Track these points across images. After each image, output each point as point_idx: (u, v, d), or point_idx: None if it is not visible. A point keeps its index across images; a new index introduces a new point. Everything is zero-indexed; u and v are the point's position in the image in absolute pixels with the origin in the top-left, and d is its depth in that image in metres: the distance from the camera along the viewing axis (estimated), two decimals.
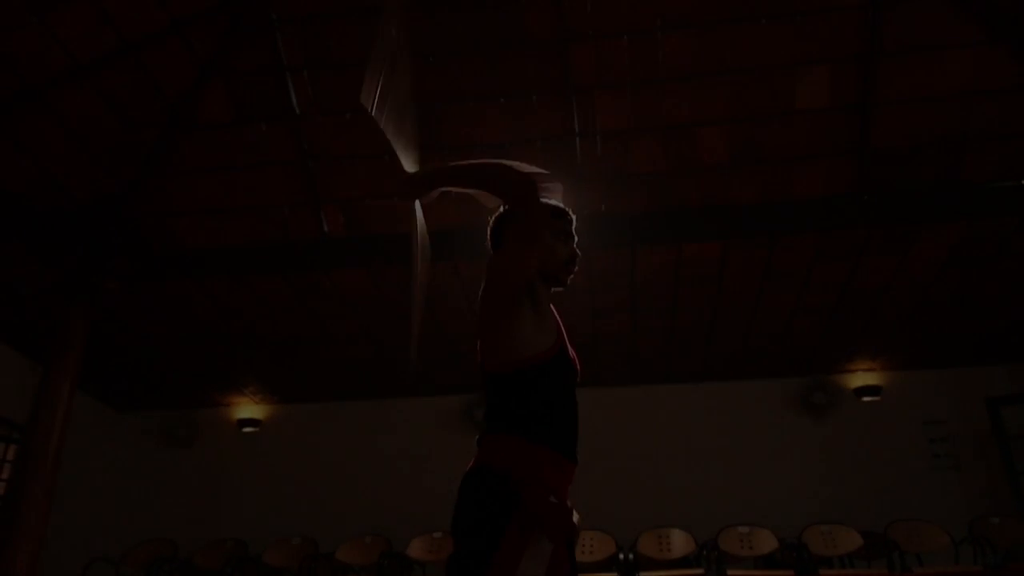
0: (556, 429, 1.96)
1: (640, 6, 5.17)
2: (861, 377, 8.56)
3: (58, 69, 4.98)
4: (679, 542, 7.11)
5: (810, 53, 5.31)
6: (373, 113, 2.08)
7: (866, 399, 8.46)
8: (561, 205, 2.23)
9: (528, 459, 1.88)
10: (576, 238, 2.23)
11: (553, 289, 2.20)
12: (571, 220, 2.23)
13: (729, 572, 6.55)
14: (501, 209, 2.24)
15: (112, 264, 6.05)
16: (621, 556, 6.93)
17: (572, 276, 2.21)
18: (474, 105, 5.63)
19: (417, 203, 2.27)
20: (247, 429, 9.17)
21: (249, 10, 5.17)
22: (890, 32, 5.13)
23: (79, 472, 8.13)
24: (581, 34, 5.31)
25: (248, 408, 9.32)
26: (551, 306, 2.15)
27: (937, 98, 5.39)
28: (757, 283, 6.90)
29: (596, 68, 5.46)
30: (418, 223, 2.32)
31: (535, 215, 1.94)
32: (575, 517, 1.94)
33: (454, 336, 7.66)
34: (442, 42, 5.36)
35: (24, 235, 5.90)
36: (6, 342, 7.56)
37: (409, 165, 2.27)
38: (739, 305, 7.27)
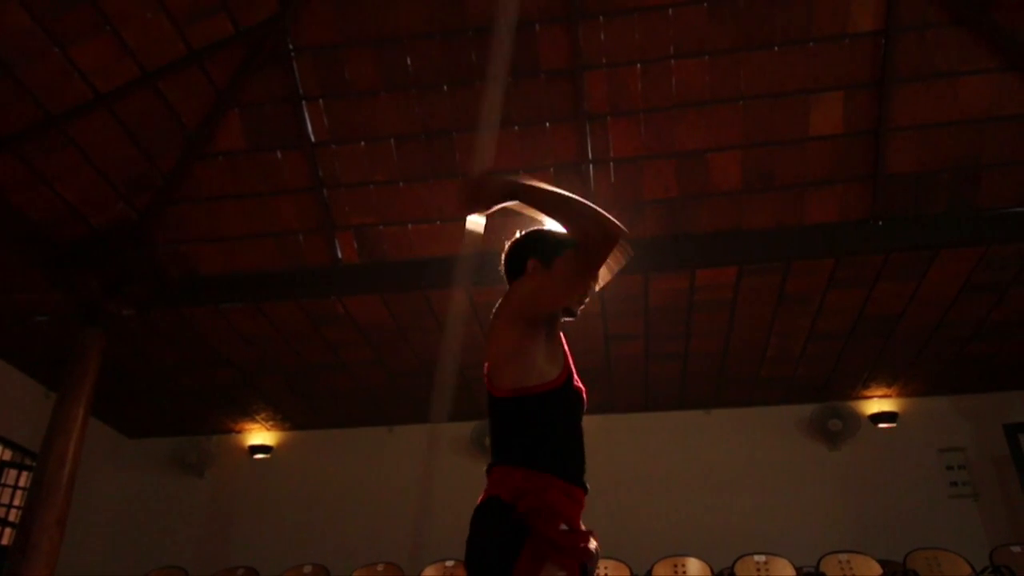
0: (563, 458, 1.96)
1: (653, 34, 5.21)
2: (877, 403, 8.48)
3: (79, 99, 5.04)
4: (695, 571, 7.01)
5: (824, 79, 5.33)
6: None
7: (882, 426, 8.37)
8: None
9: (537, 489, 1.87)
10: None
11: (564, 319, 2.21)
12: None
13: None
14: (517, 234, 2.25)
15: (128, 291, 6.09)
16: None
17: (583, 307, 2.22)
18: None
19: (477, 216, 2.12)
20: (259, 456, 9.14)
21: (266, 40, 5.23)
22: (904, 58, 5.15)
23: (90, 498, 8.12)
24: (595, 62, 5.35)
25: (260, 435, 9.29)
26: (561, 335, 2.15)
27: (952, 124, 5.39)
28: (771, 309, 6.86)
29: (609, 95, 5.49)
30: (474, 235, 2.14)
31: (601, 260, 1.93)
32: (592, 544, 1.92)
33: (466, 363, 7.62)
34: (456, 70, 5.40)
35: (41, 262, 5.94)
36: (22, 369, 7.59)
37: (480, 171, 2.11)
38: (753, 331, 7.23)
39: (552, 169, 5.85)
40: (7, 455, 7.51)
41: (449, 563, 7.30)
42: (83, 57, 4.83)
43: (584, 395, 2.13)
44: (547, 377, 1.98)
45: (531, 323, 1.99)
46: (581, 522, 1.95)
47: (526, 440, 1.95)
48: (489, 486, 1.94)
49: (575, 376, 2.09)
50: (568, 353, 2.11)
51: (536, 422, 1.96)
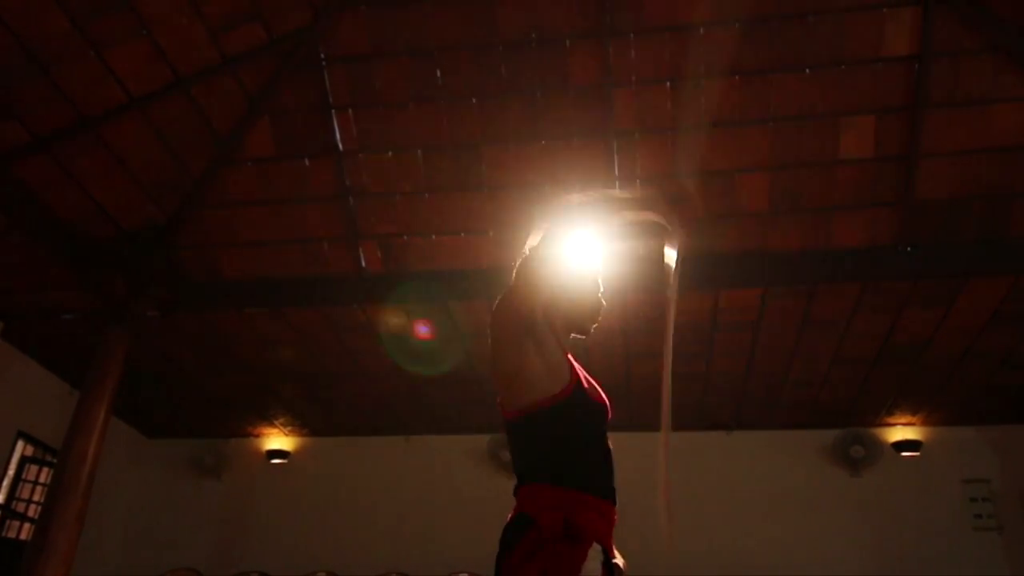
0: (583, 471, 1.94)
1: (684, 53, 5.19)
2: (901, 431, 8.34)
3: (113, 102, 5.12)
4: None
5: (855, 103, 5.28)
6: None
7: (905, 454, 8.22)
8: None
9: (562, 504, 1.85)
10: (603, 288, 2.23)
11: (573, 336, 2.18)
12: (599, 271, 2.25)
13: None
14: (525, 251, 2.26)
15: (153, 292, 6.14)
16: None
17: (596, 326, 2.21)
18: (515, 147, 5.67)
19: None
20: (275, 461, 9.16)
21: (298, 49, 5.28)
22: (937, 83, 5.08)
23: (107, 497, 8.17)
24: (624, 79, 5.34)
25: (277, 440, 9.32)
26: (566, 350, 2.12)
27: (985, 151, 5.31)
28: (795, 332, 6.79)
29: (638, 113, 5.48)
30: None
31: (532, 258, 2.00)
32: (620, 561, 1.91)
33: (485, 375, 7.63)
34: (486, 83, 5.42)
35: (69, 261, 6.01)
36: (47, 366, 7.68)
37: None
38: (776, 353, 7.16)
39: (579, 185, 5.84)
40: (29, 451, 7.60)
41: None
42: (118, 61, 4.91)
43: (607, 408, 2.11)
44: (553, 390, 1.97)
45: (510, 337, 1.98)
46: (612, 536, 1.93)
47: (544, 457, 1.95)
48: (517, 506, 1.93)
49: (588, 387, 2.07)
50: (576, 365, 2.09)
51: (548, 437, 1.96)
